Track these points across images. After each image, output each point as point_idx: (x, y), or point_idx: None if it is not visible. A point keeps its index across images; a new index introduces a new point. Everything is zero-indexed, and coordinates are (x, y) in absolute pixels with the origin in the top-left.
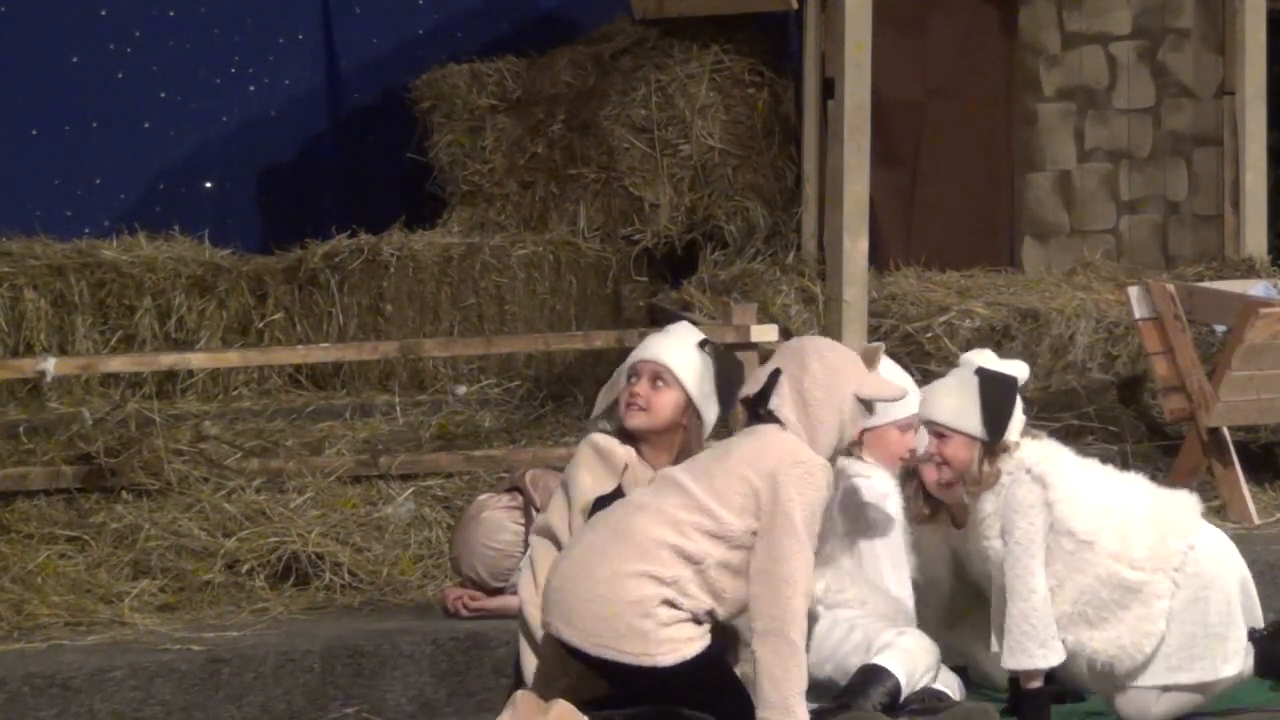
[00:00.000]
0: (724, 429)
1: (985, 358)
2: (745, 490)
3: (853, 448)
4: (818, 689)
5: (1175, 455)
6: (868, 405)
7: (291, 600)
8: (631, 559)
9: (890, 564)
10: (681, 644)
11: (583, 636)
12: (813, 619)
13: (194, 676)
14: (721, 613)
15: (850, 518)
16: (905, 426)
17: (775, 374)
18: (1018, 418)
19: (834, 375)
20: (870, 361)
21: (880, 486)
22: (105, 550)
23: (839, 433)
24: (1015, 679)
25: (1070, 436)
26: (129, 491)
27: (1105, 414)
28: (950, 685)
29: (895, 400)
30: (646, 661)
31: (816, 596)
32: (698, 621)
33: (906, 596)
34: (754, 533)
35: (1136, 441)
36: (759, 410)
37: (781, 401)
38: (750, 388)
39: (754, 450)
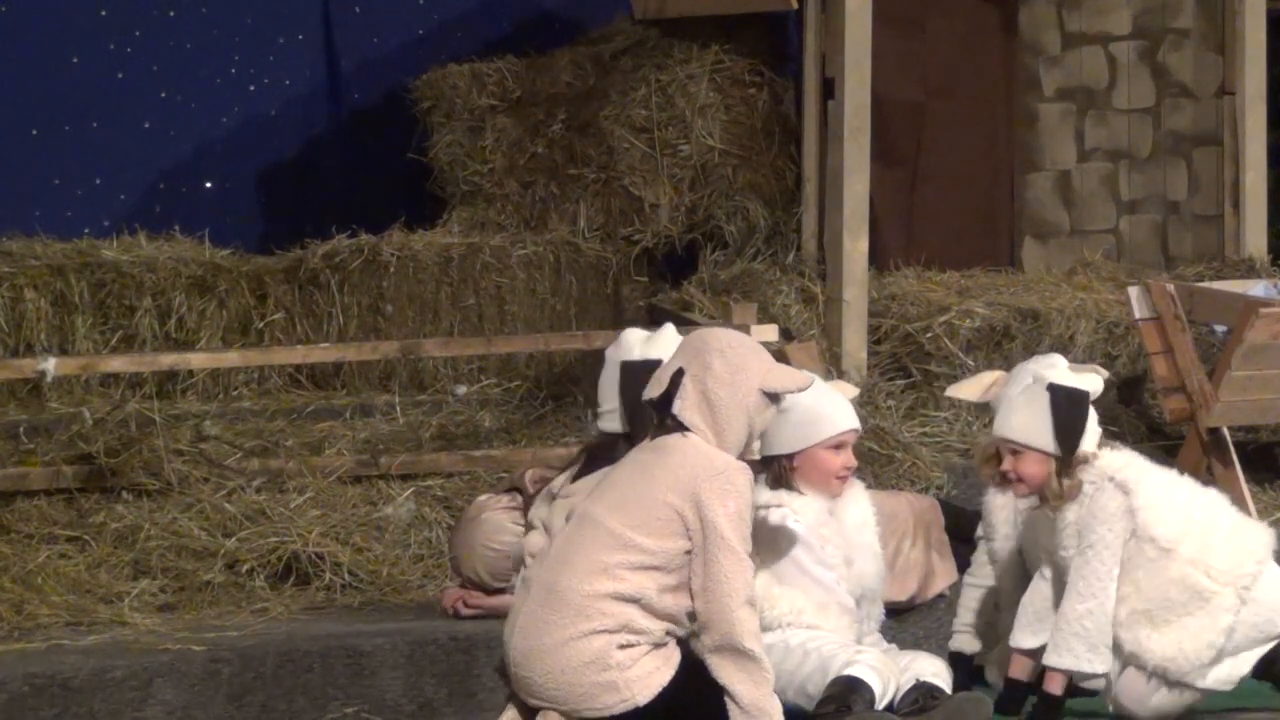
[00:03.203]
0: None
1: (1057, 371)
2: (668, 514)
3: (787, 476)
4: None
5: (1175, 455)
6: (774, 398)
7: (291, 600)
8: (572, 622)
9: (813, 561)
10: (652, 675)
11: (558, 706)
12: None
13: (194, 676)
14: (680, 630)
15: (765, 549)
16: (838, 445)
17: (678, 374)
18: (1092, 430)
19: (737, 372)
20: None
21: (775, 517)
22: (105, 550)
23: (747, 429)
24: (1011, 679)
25: None
26: (129, 491)
27: (1105, 414)
28: (939, 673)
29: (800, 391)
30: (625, 707)
31: (765, 623)
32: (660, 645)
33: (834, 583)
34: (686, 552)
35: (1136, 441)
36: (664, 414)
37: (685, 404)
38: (654, 390)
39: (668, 469)
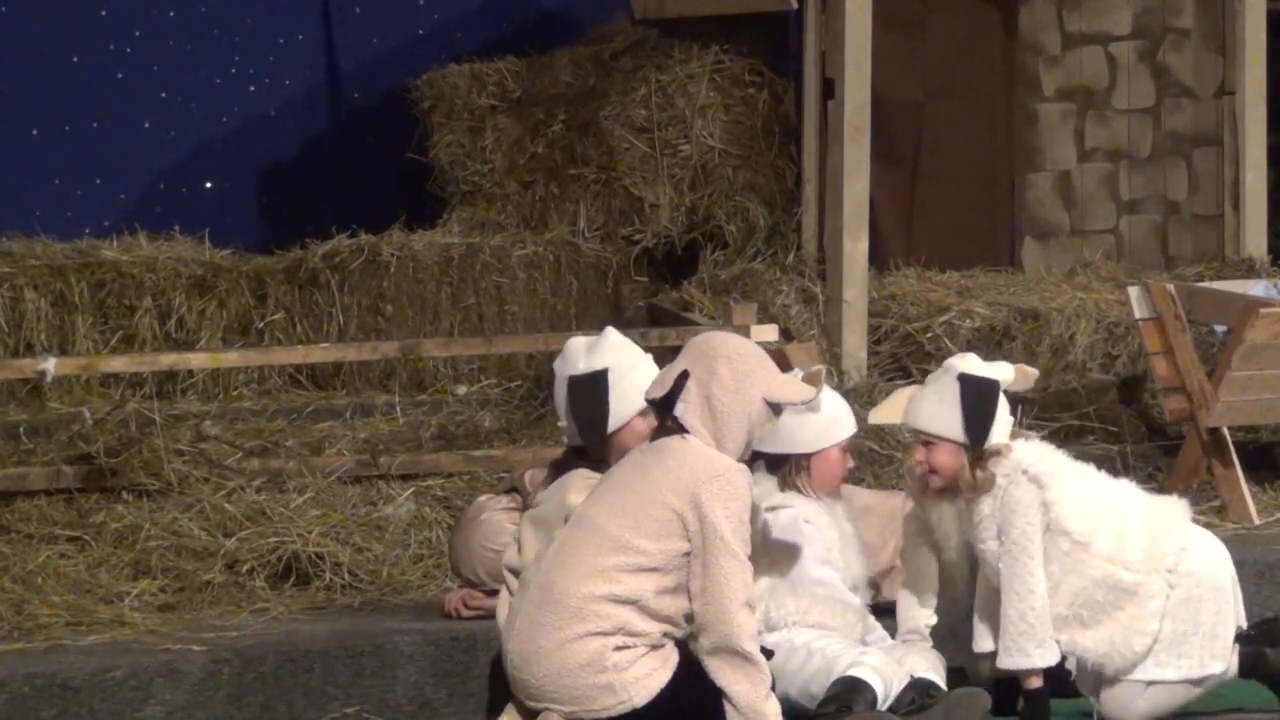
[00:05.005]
0: None
1: (968, 362)
2: (667, 516)
3: (799, 474)
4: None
5: (1175, 455)
6: (776, 409)
7: (291, 600)
8: (568, 624)
9: (820, 563)
10: (649, 677)
11: (557, 707)
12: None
13: (194, 676)
14: (678, 632)
15: (774, 550)
16: (845, 446)
17: (683, 376)
18: (1003, 421)
19: (742, 380)
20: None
21: (785, 517)
22: (105, 550)
23: (747, 436)
24: (1003, 679)
25: (1070, 436)
26: (129, 491)
27: (1105, 414)
28: (935, 668)
29: (805, 402)
30: (623, 709)
31: (771, 623)
32: (657, 647)
33: (839, 583)
34: (685, 554)
35: (1136, 441)
36: (666, 416)
37: (688, 408)
38: (657, 390)
39: (667, 471)
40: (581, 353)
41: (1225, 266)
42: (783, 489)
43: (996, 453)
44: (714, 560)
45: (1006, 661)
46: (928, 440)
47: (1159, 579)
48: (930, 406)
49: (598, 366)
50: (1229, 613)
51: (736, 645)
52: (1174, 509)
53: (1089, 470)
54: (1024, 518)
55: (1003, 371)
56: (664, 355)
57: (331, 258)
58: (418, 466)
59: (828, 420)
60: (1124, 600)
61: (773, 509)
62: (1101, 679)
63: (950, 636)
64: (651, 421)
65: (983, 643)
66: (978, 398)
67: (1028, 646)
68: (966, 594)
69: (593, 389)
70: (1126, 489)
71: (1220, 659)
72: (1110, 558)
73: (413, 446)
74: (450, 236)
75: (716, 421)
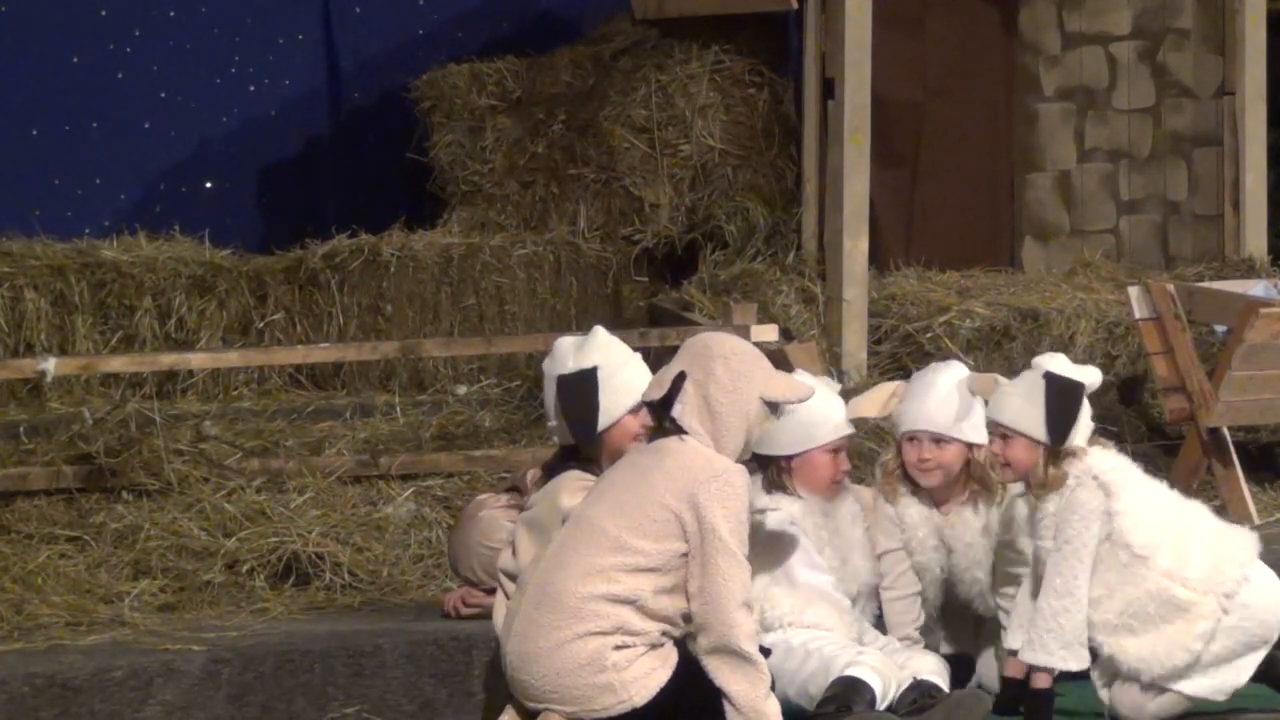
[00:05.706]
0: None
1: (1057, 362)
2: (666, 517)
3: (781, 476)
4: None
5: (1175, 455)
6: (774, 407)
7: (291, 600)
8: (567, 624)
9: (808, 566)
10: (649, 676)
11: (557, 708)
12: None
13: (194, 676)
14: (675, 631)
15: (766, 551)
16: (835, 449)
17: (680, 377)
18: (1084, 424)
19: (739, 379)
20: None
21: (773, 520)
22: (105, 550)
23: (745, 436)
24: (1007, 679)
25: None
26: (129, 491)
27: (1105, 414)
28: (938, 670)
29: (802, 400)
30: (623, 708)
31: (766, 623)
32: (656, 646)
33: (829, 586)
34: (683, 554)
35: (1136, 441)
36: (663, 417)
37: (686, 409)
38: (654, 392)
39: (666, 472)
40: (570, 352)
41: (1225, 266)
42: (769, 491)
43: (1072, 454)
44: (712, 560)
45: (1028, 655)
46: (1005, 434)
47: (1214, 601)
48: (1014, 401)
49: (586, 365)
50: (1261, 656)
51: (735, 645)
52: (1244, 539)
53: (1160, 487)
54: (1083, 520)
55: (1090, 375)
56: (664, 355)
57: (331, 258)
58: (418, 466)
59: (809, 423)
60: (1174, 615)
61: (760, 512)
62: (1122, 677)
63: (928, 635)
64: (643, 419)
65: (1013, 638)
66: (1062, 398)
67: (1051, 644)
68: (935, 597)
69: (582, 387)
70: (1198, 511)
71: (1231, 690)
72: (1168, 573)
73: (413, 446)
74: (450, 236)
75: (715, 422)
